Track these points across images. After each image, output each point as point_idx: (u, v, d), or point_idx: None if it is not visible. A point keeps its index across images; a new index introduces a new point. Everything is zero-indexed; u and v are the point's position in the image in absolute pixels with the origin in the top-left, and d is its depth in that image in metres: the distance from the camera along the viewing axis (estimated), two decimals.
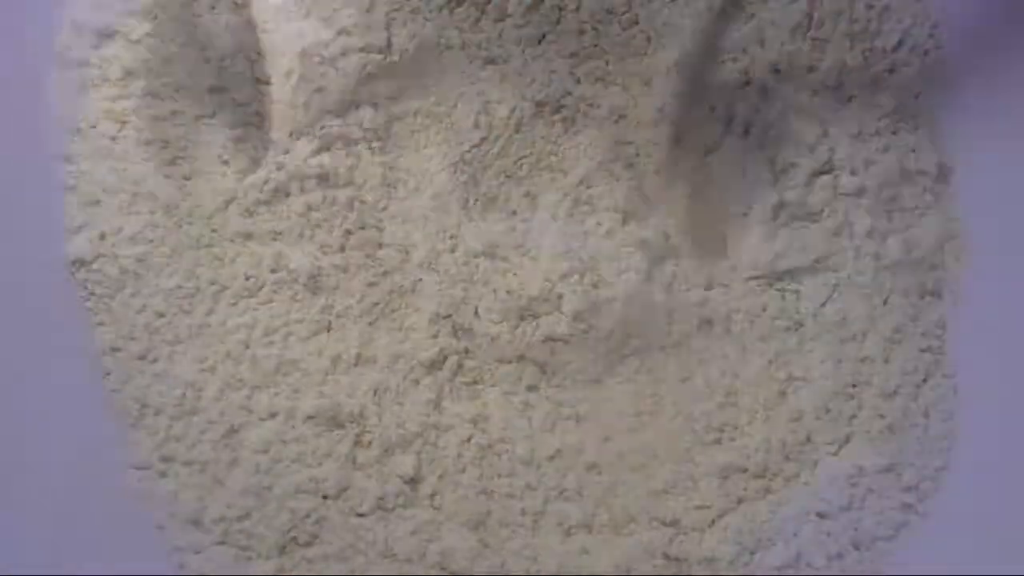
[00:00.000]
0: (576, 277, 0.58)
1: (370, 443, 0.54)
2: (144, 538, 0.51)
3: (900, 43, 0.60)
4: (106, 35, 0.58)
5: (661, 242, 0.59)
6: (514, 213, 0.61)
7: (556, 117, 0.62)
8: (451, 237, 0.59)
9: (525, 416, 0.59)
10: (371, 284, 0.58)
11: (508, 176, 0.61)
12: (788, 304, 0.58)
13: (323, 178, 0.58)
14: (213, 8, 0.60)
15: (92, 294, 0.54)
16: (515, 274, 0.59)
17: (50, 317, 0.53)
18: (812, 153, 0.59)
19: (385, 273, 0.58)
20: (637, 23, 0.63)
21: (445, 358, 0.59)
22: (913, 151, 0.60)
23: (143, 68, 0.57)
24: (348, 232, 0.59)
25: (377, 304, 0.58)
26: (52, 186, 0.55)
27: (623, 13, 0.63)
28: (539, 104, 0.61)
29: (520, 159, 0.62)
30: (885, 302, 0.58)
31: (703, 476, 0.56)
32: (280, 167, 0.58)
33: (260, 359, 0.54)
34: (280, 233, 0.57)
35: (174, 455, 0.52)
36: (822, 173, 0.59)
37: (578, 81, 0.62)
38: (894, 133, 0.60)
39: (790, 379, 0.57)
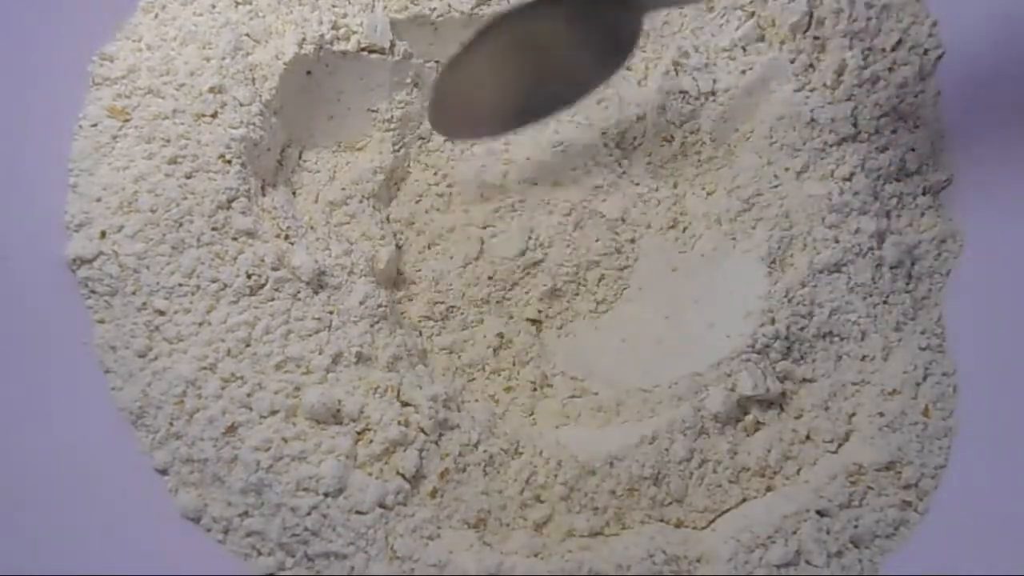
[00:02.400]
0: None
1: (371, 441, 0.54)
2: (144, 536, 0.51)
3: (900, 42, 0.60)
4: (107, 34, 0.59)
5: None
6: None
7: None
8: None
9: (529, 416, 0.59)
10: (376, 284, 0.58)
11: None
12: None
13: None
14: (214, 7, 0.60)
15: (93, 292, 0.54)
16: None
17: (51, 315, 0.53)
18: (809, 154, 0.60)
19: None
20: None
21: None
22: (913, 151, 0.60)
23: (144, 67, 0.58)
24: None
25: (381, 306, 0.58)
26: (53, 184, 0.55)
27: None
28: None
29: None
30: (885, 301, 0.59)
31: (704, 474, 0.56)
32: None
33: (261, 357, 0.54)
34: (284, 230, 0.58)
35: (174, 453, 0.53)
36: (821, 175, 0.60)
37: None
38: (894, 132, 0.60)
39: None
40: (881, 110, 0.59)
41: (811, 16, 0.60)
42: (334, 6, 0.62)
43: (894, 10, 0.60)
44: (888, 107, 0.59)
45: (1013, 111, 0.58)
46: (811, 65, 0.60)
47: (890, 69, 0.60)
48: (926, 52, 0.60)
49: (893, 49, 0.60)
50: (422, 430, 0.54)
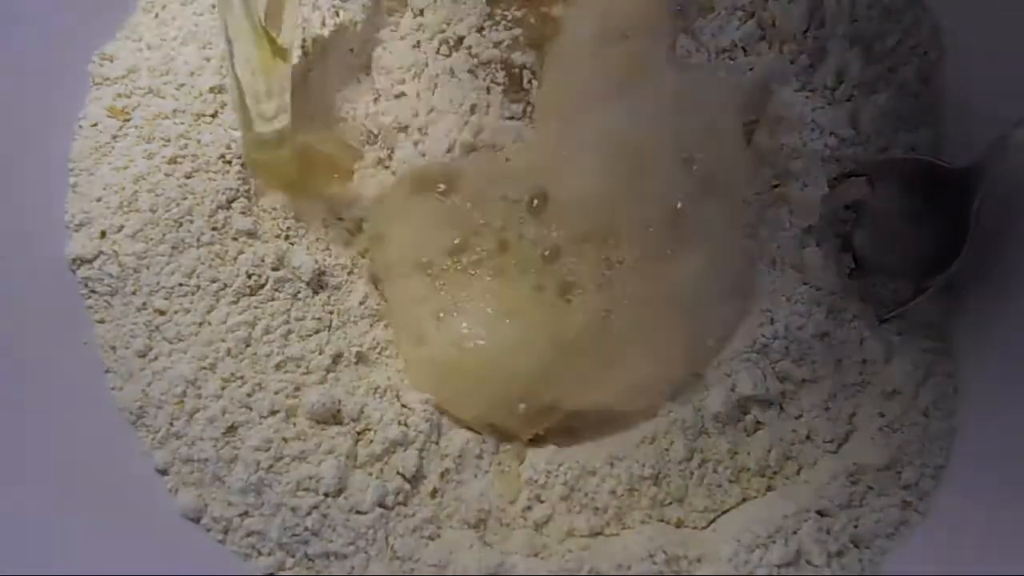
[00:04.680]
0: None
1: (371, 441, 0.54)
2: (144, 536, 0.51)
3: (900, 43, 0.60)
4: (107, 34, 0.59)
5: None
6: None
7: None
8: None
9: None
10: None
11: None
12: None
13: None
14: (214, 7, 0.60)
15: (93, 292, 0.54)
16: None
17: (51, 315, 0.53)
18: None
19: None
20: None
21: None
22: (913, 151, 0.60)
23: (144, 67, 0.58)
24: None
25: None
26: (53, 184, 0.55)
27: None
28: None
29: None
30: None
31: (704, 474, 0.56)
32: None
33: (261, 357, 0.54)
34: (284, 230, 0.58)
35: (174, 453, 0.52)
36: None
37: None
38: (894, 133, 0.60)
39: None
40: (881, 111, 0.59)
41: (811, 17, 0.60)
42: (334, 6, 0.62)
43: (894, 12, 0.60)
44: (888, 108, 0.59)
45: (1013, 112, 0.58)
46: (812, 66, 0.60)
47: (890, 70, 0.60)
48: (926, 53, 0.60)
49: (893, 50, 0.60)
50: (422, 431, 0.54)
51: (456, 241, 0.58)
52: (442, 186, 0.59)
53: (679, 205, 0.58)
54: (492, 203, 0.59)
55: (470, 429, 0.56)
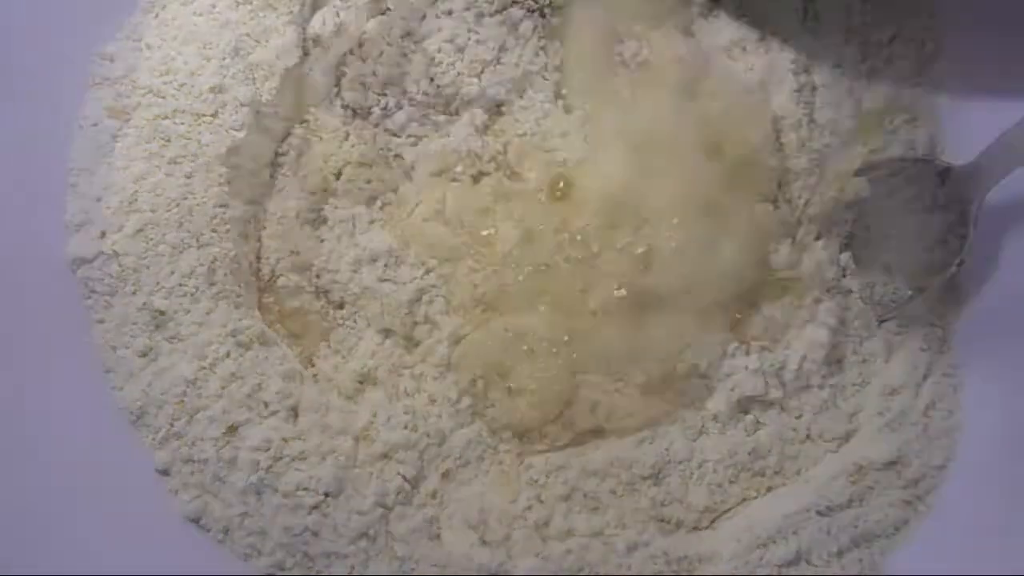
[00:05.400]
0: None
1: (372, 441, 0.54)
2: (145, 536, 0.51)
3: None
4: (107, 34, 0.59)
5: None
6: None
7: None
8: None
9: None
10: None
11: None
12: None
13: None
14: (214, 7, 0.60)
15: (93, 292, 0.54)
16: None
17: (51, 315, 0.53)
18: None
19: None
20: None
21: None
22: (912, 150, 0.60)
23: (144, 66, 0.58)
24: None
25: None
26: (53, 184, 0.55)
27: None
28: None
29: None
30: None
31: (704, 474, 0.56)
32: None
33: (261, 358, 0.54)
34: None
35: (175, 453, 0.52)
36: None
37: None
38: (893, 132, 0.60)
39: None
40: (880, 107, 0.59)
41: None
42: (334, 6, 0.62)
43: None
44: (886, 102, 0.59)
45: (1010, 103, 0.58)
46: (810, 65, 0.60)
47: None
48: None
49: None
50: (425, 432, 0.54)
51: (485, 228, 0.57)
52: (460, 167, 0.58)
53: (707, 195, 0.57)
54: (514, 189, 0.58)
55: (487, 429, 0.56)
